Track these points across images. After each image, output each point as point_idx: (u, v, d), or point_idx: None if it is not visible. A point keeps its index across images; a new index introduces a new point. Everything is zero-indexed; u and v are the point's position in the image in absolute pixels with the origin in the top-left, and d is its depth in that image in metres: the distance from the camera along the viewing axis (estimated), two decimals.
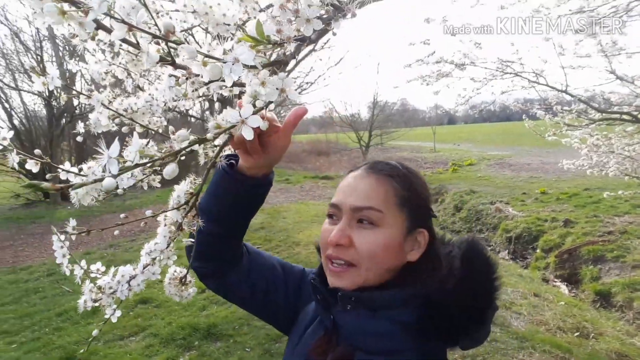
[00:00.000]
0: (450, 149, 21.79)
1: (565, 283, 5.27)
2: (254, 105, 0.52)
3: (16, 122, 10.06)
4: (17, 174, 10.12)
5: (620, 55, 2.74)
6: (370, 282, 0.70)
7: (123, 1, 0.45)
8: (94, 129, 0.76)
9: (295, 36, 0.52)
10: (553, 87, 2.95)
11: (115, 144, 0.45)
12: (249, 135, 0.50)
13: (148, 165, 0.50)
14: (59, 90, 0.63)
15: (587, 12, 2.61)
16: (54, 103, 9.95)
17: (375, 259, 0.69)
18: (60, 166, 0.51)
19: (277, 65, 0.55)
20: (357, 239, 0.69)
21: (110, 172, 0.45)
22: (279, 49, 0.53)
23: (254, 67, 0.49)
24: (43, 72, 0.70)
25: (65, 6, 0.42)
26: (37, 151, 0.54)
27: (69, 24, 0.44)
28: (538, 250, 6.20)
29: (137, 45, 0.49)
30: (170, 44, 0.50)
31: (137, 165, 0.48)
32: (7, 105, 9.86)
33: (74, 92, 0.80)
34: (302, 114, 0.68)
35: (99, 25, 0.45)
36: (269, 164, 0.70)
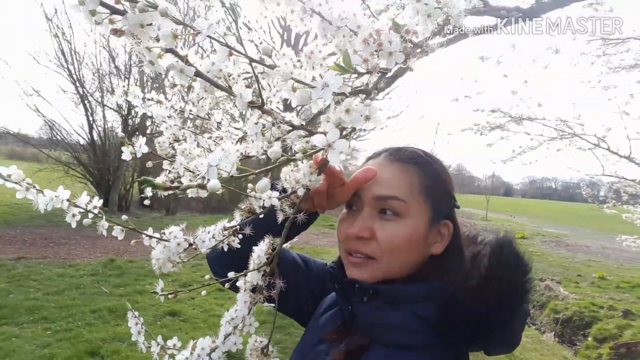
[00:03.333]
0: (503, 219, 20.80)
1: None
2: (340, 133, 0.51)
3: (95, 134, 11.10)
4: (86, 180, 11.02)
5: None
6: (392, 276, 0.67)
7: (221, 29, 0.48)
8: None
9: (380, 67, 0.53)
10: (615, 152, 2.81)
11: (217, 152, 0.48)
12: (335, 160, 0.49)
13: (242, 178, 0.52)
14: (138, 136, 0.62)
15: None
16: (129, 122, 10.93)
17: (397, 252, 0.66)
18: (144, 232, 0.57)
19: (362, 94, 0.56)
20: (379, 231, 0.66)
21: (209, 179, 0.45)
22: (361, 80, 0.56)
23: (340, 94, 0.50)
24: (126, 93, 0.76)
25: (179, 29, 0.46)
26: (124, 217, 0.58)
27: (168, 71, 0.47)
28: (590, 339, 5.60)
29: (229, 90, 0.52)
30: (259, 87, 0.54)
31: (232, 178, 0.49)
32: (90, 119, 10.96)
33: (159, 158, 0.79)
34: (371, 177, 0.66)
35: (197, 73, 0.48)
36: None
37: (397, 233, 0.65)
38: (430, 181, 0.69)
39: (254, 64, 0.51)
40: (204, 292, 0.68)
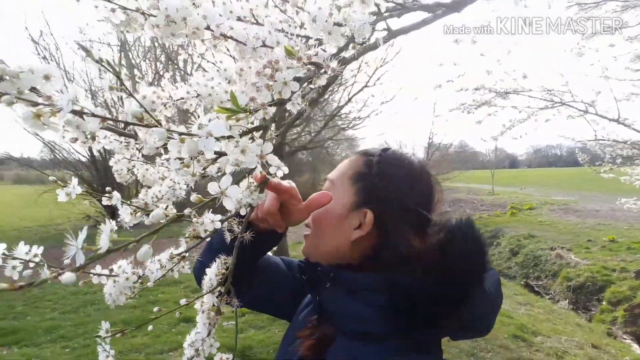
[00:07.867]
0: (510, 192, 20.71)
1: (638, 341, 4.68)
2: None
3: (95, 150, 11.17)
4: (91, 197, 11.11)
5: None
6: (322, 250, 0.72)
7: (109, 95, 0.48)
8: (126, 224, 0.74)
9: (273, 101, 0.52)
10: (604, 117, 2.79)
11: (83, 232, 0.45)
12: (230, 206, 0.50)
13: (121, 249, 0.50)
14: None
15: None
16: None
17: (317, 222, 0.72)
18: (92, 271, 0.56)
19: (258, 131, 0.54)
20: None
21: (77, 263, 0.44)
22: (260, 115, 0.53)
23: (231, 137, 0.48)
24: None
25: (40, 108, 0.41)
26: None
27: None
28: (604, 303, 5.61)
29: (135, 136, 0.51)
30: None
31: (108, 252, 0.47)
32: None
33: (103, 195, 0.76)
34: (325, 203, 0.69)
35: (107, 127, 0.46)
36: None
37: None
38: (365, 170, 0.72)
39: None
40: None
